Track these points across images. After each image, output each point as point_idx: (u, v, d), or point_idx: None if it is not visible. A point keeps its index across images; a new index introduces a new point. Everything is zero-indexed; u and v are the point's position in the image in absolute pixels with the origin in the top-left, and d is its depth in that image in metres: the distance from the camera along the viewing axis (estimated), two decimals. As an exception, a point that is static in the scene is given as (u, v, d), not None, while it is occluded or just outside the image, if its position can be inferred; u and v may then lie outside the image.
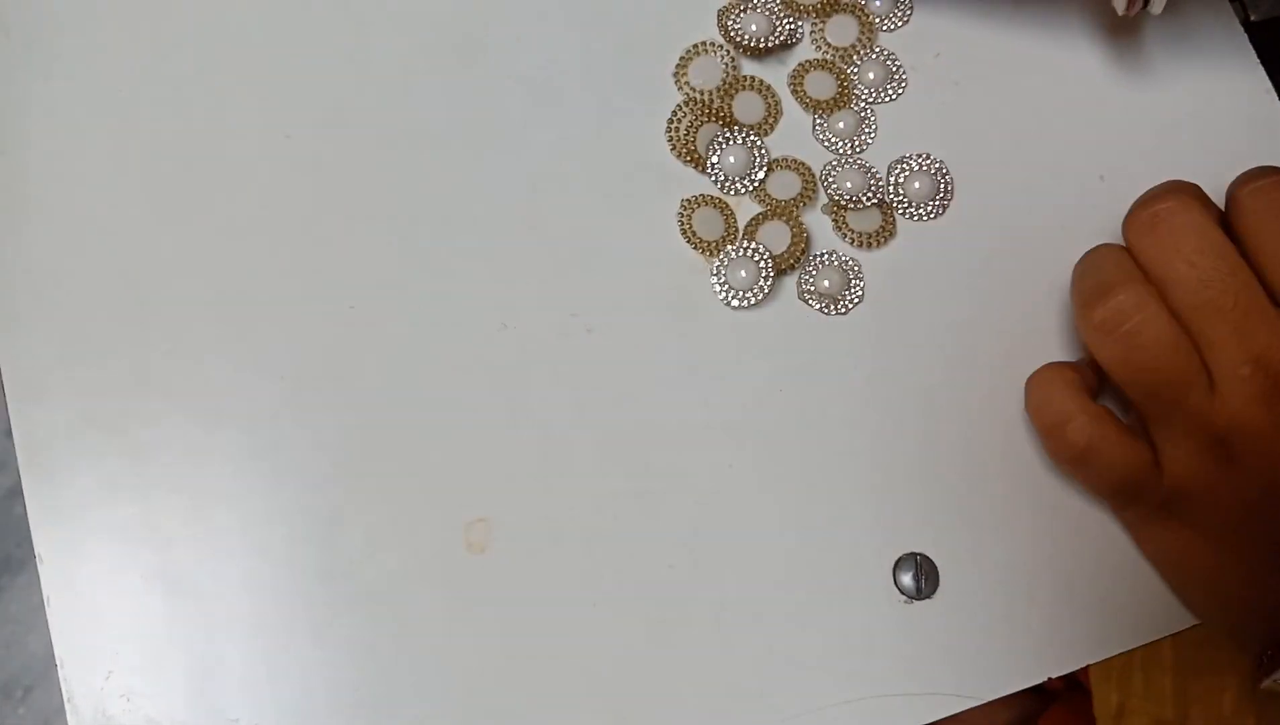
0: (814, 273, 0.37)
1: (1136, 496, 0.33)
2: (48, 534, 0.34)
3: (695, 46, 0.39)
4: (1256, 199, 0.30)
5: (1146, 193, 0.32)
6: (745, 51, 0.38)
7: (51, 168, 0.37)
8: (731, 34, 0.38)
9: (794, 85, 0.39)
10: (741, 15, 0.39)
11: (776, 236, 0.37)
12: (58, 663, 0.33)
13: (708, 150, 0.38)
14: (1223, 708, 0.46)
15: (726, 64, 0.38)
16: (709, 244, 0.37)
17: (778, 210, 0.37)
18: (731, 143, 0.37)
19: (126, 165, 0.37)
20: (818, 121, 0.38)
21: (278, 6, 0.39)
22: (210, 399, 0.35)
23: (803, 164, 0.38)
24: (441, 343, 0.36)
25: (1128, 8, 0.29)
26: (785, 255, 0.36)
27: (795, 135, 0.38)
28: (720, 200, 0.37)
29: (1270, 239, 0.30)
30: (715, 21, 0.39)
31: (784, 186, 0.38)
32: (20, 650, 0.36)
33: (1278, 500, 0.30)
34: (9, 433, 0.34)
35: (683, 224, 0.37)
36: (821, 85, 0.39)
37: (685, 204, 0.37)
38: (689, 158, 0.38)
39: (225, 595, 0.34)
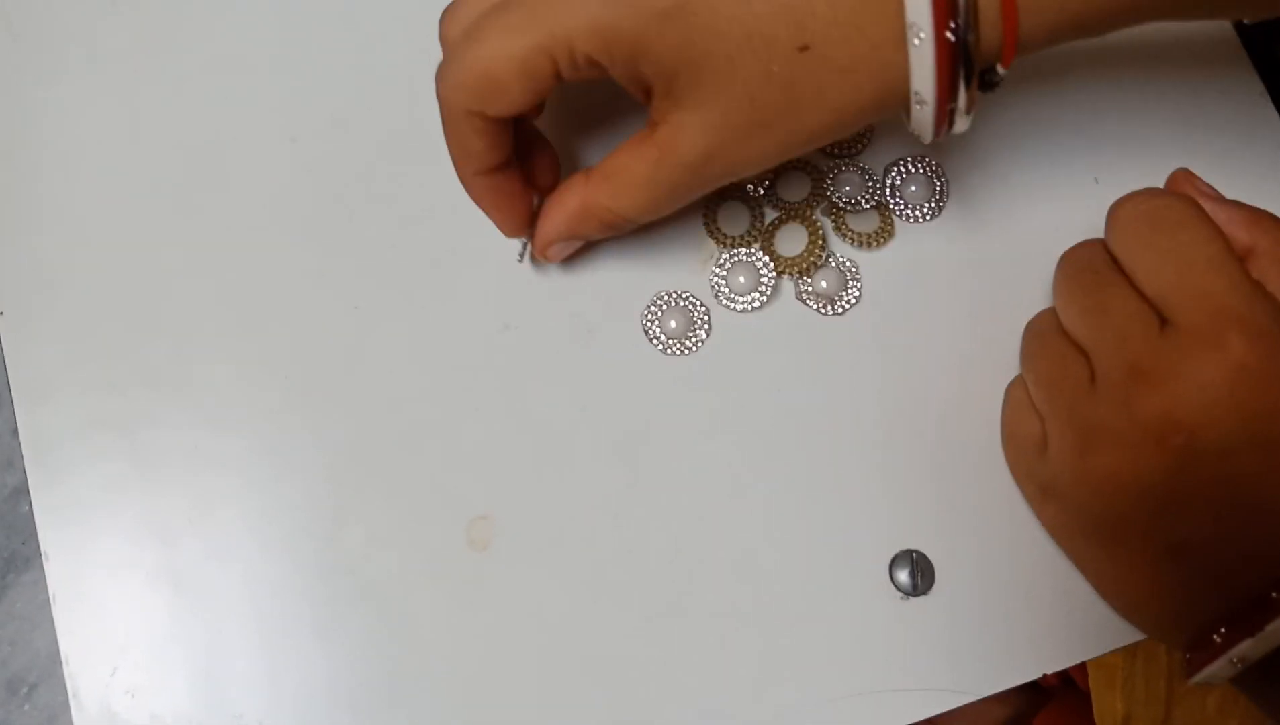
0: (812, 274, 0.37)
1: (1025, 466, 0.34)
2: (54, 532, 0.34)
3: None
4: (1121, 215, 0.32)
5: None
6: None
7: (58, 171, 0.37)
8: None
9: None
10: None
11: (793, 239, 0.37)
12: (63, 659, 0.33)
13: None
14: (1206, 708, 0.46)
15: None
16: (732, 239, 0.37)
17: (792, 213, 0.38)
18: None
19: (132, 169, 0.37)
20: None
21: (283, 12, 0.39)
22: (215, 399, 0.35)
23: (809, 162, 0.38)
24: (444, 343, 0.36)
25: (935, 134, 0.31)
26: (801, 257, 0.37)
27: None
28: (752, 195, 0.38)
29: (1129, 252, 0.32)
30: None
31: (794, 188, 0.38)
32: (26, 647, 0.36)
33: (1139, 502, 0.31)
34: (15, 432, 0.35)
35: (707, 218, 0.37)
36: None
37: (712, 197, 0.38)
38: None
39: (229, 592, 0.34)
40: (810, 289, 0.37)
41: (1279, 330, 0.29)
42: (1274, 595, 0.29)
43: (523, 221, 0.35)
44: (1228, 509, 0.30)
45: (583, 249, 0.37)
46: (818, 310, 0.37)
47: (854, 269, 0.37)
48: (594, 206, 0.33)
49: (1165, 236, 0.31)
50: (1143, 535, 0.31)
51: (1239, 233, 0.32)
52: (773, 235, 0.37)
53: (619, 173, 0.33)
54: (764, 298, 0.36)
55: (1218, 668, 0.30)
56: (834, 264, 0.37)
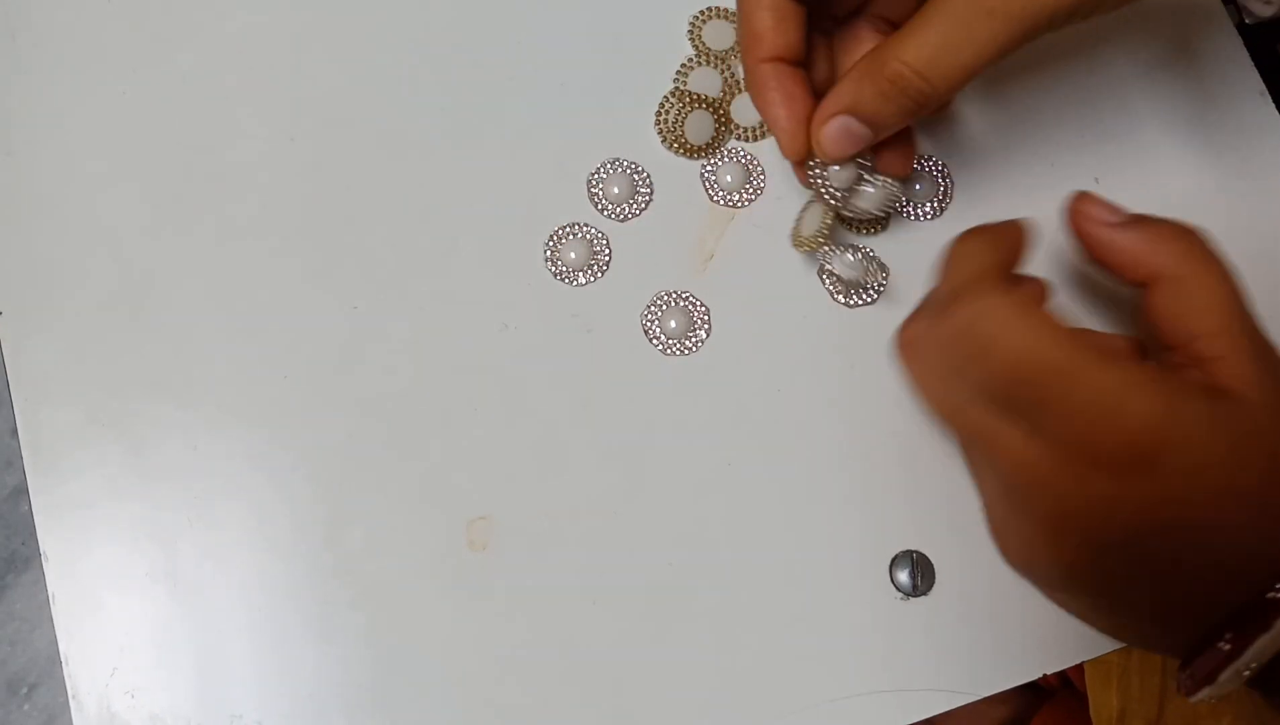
0: (836, 257, 0.37)
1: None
2: (53, 532, 0.34)
3: (690, 60, 0.39)
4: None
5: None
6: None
7: (58, 170, 0.37)
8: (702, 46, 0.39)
9: None
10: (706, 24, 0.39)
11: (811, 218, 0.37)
12: (63, 660, 0.33)
13: (703, 172, 0.38)
14: (1199, 705, 0.46)
15: (725, 72, 0.39)
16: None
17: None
18: (726, 160, 0.38)
19: (132, 169, 0.37)
20: None
21: (281, 11, 0.39)
22: (214, 399, 0.35)
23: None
24: (443, 343, 0.36)
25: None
26: (816, 235, 0.36)
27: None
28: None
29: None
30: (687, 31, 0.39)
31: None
32: (26, 647, 0.36)
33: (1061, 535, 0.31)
34: (15, 432, 0.35)
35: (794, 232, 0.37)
36: None
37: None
38: (680, 147, 0.38)
39: (228, 592, 0.34)
40: (834, 272, 0.37)
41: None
42: (1221, 644, 0.29)
43: (798, 120, 0.33)
44: (1154, 577, 0.30)
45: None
46: (836, 295, 0.37)
47: (875, 258, 0.37)
48: (877, 58, 0.30)
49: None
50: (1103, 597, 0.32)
51: (1143, 257, 0.31)
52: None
53: (918, 17, 0.30)
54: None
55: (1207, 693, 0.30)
56: (860, 256, 0.37)
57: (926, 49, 0.29)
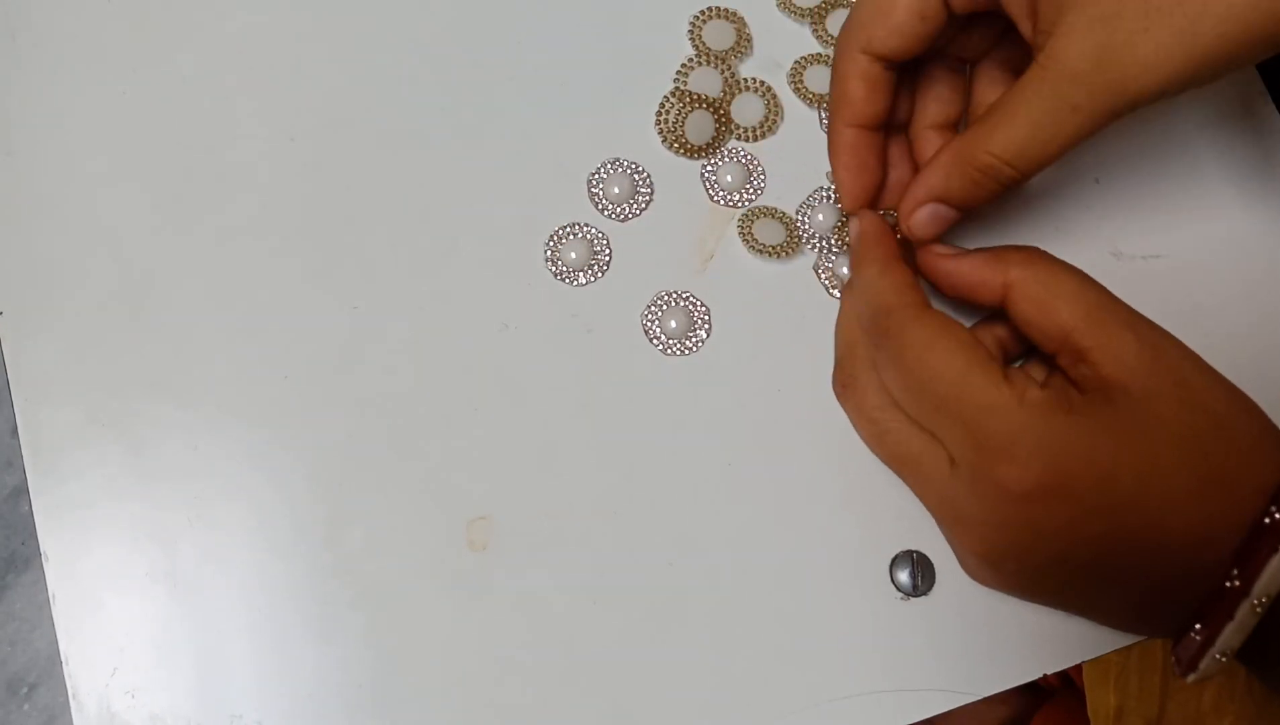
0: (835, 254, 0.37)
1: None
2: (53, 532, 0.34)
3: (690, 60, 0.39)
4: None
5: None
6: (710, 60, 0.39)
7: (58, 170, 0.37)
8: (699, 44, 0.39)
9: (794, 81, 0.39)
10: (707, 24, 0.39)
11: (771, 231, 0.37)
12: (63, 660, 0.33)
13: (703, 172, 0.38)
14: (1202, 704, 0.47)
15: (725, 72, 0.39)
16: (773, 248, 0.37)
17: (772, 212, 0.38)
18: (726, 160, 0.38)
19: (132, 168, 0.37)
20: (824, 115, 0.39)
21: (282, 11, 0.39)
22: (214, 399, 0.35)
23: (786, 213, 0.38)
24: (443, 343, 0.36)
25: None
26: (782, 246, 0.37)
27: (798, 135, 0.39)
28: (775, 210, 0.38)
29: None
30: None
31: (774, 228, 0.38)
32: (25, 647, 0.36)
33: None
34: (15, 432, 0.35)
35: (744, 233, 0.37)
36: (823, 79, 0.39)
37: (746, 217, 0.38)
38: (680, 147, 0.38)
39: (229, 592, 0.34)
40: (830, 267, 0.37)
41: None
42: (1193, 634, 0.30)
43: (866, 192, 0.35)
44: (1108, 584, 0.31)
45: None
46: (830, 290, 0.37)
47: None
48: (966, 150, 0.32)
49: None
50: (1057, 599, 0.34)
51: (988, 275, 0.33)
52: (750, 225, 0.37)
53: (996, 106, 0.31)
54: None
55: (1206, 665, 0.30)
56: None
57: (1015, 142, 0.31)
